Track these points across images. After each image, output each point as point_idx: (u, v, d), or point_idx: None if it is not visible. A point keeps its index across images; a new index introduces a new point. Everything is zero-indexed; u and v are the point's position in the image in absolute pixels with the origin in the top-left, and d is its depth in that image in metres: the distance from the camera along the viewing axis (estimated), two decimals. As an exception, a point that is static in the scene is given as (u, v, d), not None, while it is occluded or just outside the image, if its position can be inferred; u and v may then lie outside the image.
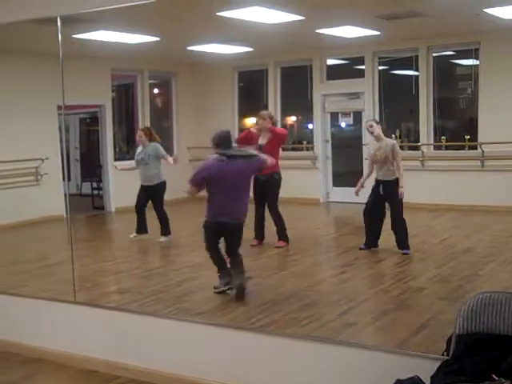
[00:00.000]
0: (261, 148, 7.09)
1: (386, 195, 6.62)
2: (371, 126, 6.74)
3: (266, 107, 10.55)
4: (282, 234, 7.11)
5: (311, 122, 10.23)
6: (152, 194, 7.67)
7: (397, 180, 6.58)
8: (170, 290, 5.50)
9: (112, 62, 9.53)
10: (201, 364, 4.10)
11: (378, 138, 6.74)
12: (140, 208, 7.66)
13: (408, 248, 6.46)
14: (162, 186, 7.68)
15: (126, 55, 9.19)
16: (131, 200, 8.89)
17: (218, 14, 6.32)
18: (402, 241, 6.48)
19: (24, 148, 8.64)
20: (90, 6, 4.47)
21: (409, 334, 4.09)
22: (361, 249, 6.68)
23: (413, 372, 3.09)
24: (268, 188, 7.09)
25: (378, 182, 6.71)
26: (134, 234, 7.60)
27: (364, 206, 6.81)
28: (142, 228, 7.62)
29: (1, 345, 4.90)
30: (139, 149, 8.00)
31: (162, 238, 7.55)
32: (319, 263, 6.85)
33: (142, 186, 7.80)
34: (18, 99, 8.62)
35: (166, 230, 7.54)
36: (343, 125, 10.06)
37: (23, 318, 4.90)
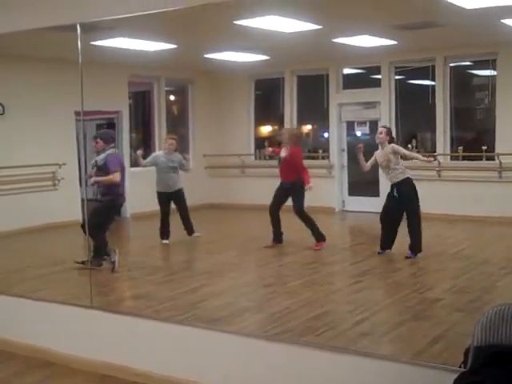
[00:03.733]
0: (280, 161, 7.36)
1: (401, 196, 6.67)
2: (381, 133, 6.85)
3: (281, 116, 10.59)
4: (317, 235, 7.28)
5: (327, 130, 10.24)
6: (177, 200, 7.97)
7: (408, 179, 6.66)
8: (185, 296, 5.50)
9: (129, 69, 9.60)
10: (215, 371, 4.10)
11: (381, 145, 6.86)
12: (167, 215, 7.99)
13: (419, 251, 6.53)
14: (183, 191, 8.04)
15: (143, 62, 9.24)
16: (147, 206, 8.94)
17: (235, 22, 6.35)
18: (416, 243, 6.54)
19: (42, 153, 8.71)
20: (109, 13, 4.50)
21: (425, 345, 4.06)
22: (379, 253, 6.77)
23: None
24: (291, 195, 7.47)
25: (392, 186, 6.80)
26: (166, 241, 7.87)
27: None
28: (167, 234, 7.91)
29: (17, 348, 4.92)
30: (164, 156, 8.02)
31: (195, 234, 7.94)
32: (335, 272, 6.83)
33: (163, 193, 8.02)
34: (37, 105, 8.69)
35: (192, 228, 7.93)
36: (359, 134, 10.04)
37: (40, 322, 4.92)
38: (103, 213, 6.46)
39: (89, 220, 5.83)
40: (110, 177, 6.50)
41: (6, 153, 8.19)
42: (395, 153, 6.74)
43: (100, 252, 6.33)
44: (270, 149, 8.38)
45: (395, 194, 6.70)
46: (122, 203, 6.91)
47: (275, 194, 7.61)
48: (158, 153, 8.43)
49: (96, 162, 6.65)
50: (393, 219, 6.73)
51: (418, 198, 6.62)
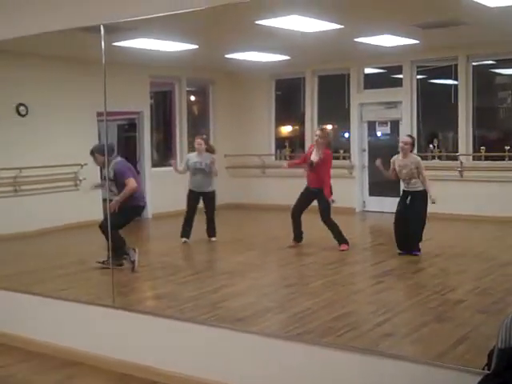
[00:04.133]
0: (312, 165, 7.26)
1: (412, 204, 6.73)
2: (406, 144, 6.85)
3: (302, 116, 10.58)
4: (341, 238, 7.26)
5: (348, 130, 10.21)
6: (206, 201, 8.05)
7: (424, 191, 6.69)
8: (207, 296, 5.52)
9: (151, 70, 9.64)
10: (237, 371, 4.11)
11: (404, 155, 6.84)
12: (193, 213, 8.05)
13: (419, 250, 6.71)
14: (214, 194, 8.10)
15: (164, 63, 9.29)
16: (168, 206, 8.99)
17: (256, 22, 6.35)
18: (413, 245, 6.70)
19: (64, 153, 8.77)
20: (132, 14, 4.53)
21: (448, 346, 4.03)
22: (400, 254, 6.79)
23: (453, 386, 3.05)
24: (317, 199, 7.41)
25: (405, 192, 6.84)
26: (185, 240, 7.95)
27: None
28: (188, 232, 7.99)
29: (40, 347, 4.97)
30: (195, 157, 8.12)
31: (213, 239, 7.99)
32: (356, 272, 6.81)
33: (193, 192, 8.07)
34: (59, 106, 8.76)
35: (214, 232, 8.00)
36: (380, 134, 10.01)
37: (62, 321, 4.97)
38: (122, 215, 6.46)
39: (107, 221, 5.85)
40: (127, 187, 6.42)
41: (28, 153, 8.28)
42: (418, 168, 6.75)
43: (118, 251, 6.36)
44: (286, 164, 8.21)
45: (408, 201, 6.76)
46: (141, 205, 6.89)
47: (300, 198, 7.54)
48: (191, 154, 8.46)
49: (105, 175, 6.65)
50: (404, 225, 6.80)
51: (426, 209, 6.69)
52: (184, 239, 7.93)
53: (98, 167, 8.92)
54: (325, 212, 7.35)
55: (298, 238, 7.52)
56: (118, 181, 6.48)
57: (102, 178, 7.20)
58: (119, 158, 6.67)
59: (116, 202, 6.36)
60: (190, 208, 8.03)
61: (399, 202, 6.90)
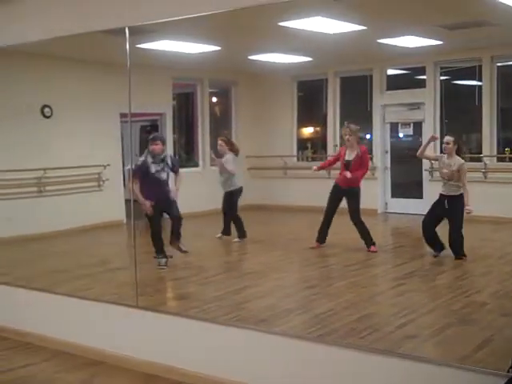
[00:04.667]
0: (349, 164, 7.24)
1: (450, 209, 6.64)
2: (448, 143, 6.77)
3: (324, 117, 10.56)
4: (369, 240, 7.23)
5: (370, 132, 10.17)
6: (225, 200, 8.20)
7: (461, 195, 6.59)
8: (230, 297, 5.54)
9: (173, 71, 9.70)
10: (259, 372, 4.12)
11: (449, 156, 6.76)
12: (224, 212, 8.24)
13: (464, 255, 6.55)
14: (232, 193, 8.15)
15: (187, 64, 9.33)
16: (190, 206, 9.03)
17: (280, 24, 6.36)
18: (457, 250, 6.56)
19: (88, 154, 8.87)
20: (156, 17, 4.57)
21: (471, 349, 4.00)
22: (435, 256, 6.74)
23: (476, 388, 3.03)
24: (348, 198, 7.40)
25: (442, 196, 6.74)
26: (220, 235, 8.11)
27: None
28: (227, 230, 8.14)
29: (65, 346, 5.03)
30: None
31: (236, 239, 8.04)
32: (378, 274, 6.79)
33: (224, 192, 8.22)
34: (83, 107, 8.86)
35: (241, 233, 8.05)
36: (402, 135, 9.96)
37: (87, 321, 5.02)
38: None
39: None
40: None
41: (53, 154, 8.38)
42: (459, 171, 6.66)
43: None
44: (315, 168, 8.05)
45: (446, 205, 6.66)
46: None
47: (331, 199, 7.50)
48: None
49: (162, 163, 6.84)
50: (431, 228, 6.77)
51: (463, 214, 6.59)
52: (220, 235, 8.13)
53: (122, 169, 9.05)
54: (355, 212, 7.32)
55: (322, 240, 7.49)
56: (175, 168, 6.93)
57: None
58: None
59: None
60: (222, 207, 8.21)
61: (435, 205, 6.80)
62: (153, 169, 6.75)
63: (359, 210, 7.37)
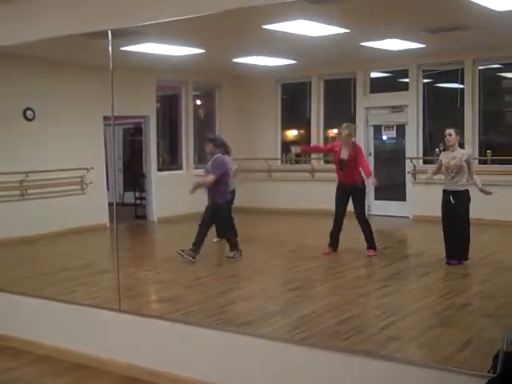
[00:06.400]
0: (343, 163, 7.23)
1: (457, 204, 6.54)
2: (450, 135, 6.69)
3: (308, 120, 10.59)
4: (370, 242, 7.21)
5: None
6: None
7: (467, 191, 6.53)
8: (213, 299, 5.53)
9: (157, 74, 9.68)
10: (242, 375, 4.12)
11: (452, 148, 6.68)
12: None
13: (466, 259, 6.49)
14: (233, 194, 8.04)
15: (171, 67, 9.32)
16: (174, 210, 9.02)
17: (263, 27, 6.38)
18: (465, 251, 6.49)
19: (70, 158, 8.83)
20: (140, 20, 4.56)
21: (453, 350, 4.03)
22: (447, 263, 6.52)
23: (458, 389, 3.05)
24: (353, 197, 7.34)
25: (446, 192, 6.61)
26: (217, 239, 7.87)
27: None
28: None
29: (48, 351, 4.99)
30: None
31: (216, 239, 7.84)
32: (362, 276, 6.81)
33: None
34: (66, 110, 8.82)
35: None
36: (386, 138, 10.01)
37: (70, 325, 4.98)
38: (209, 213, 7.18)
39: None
40: (209, 178, 7.14)
41: (35, 157, 8.33)
42: (468, 163, 6.59)
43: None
44: (299, 149, 7.98)
45: (452, 200, 6.54)
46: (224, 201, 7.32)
47: (339, 200, 7.41)
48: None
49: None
50: (454, 227, 6.57)
51: (469, 210, 6.53)
52: (217, 239, 7.92)
53: (105, 172, 9.02)
54: (361, 211, 7.31)
55: (334, 245, 7.36)
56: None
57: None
58: (221, 154, 7.34)
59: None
60: None
61: (443, 205, 6.62)
62: None
63: (365, 209, 7.36)
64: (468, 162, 6.60)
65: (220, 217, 7.33)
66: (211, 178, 7.13)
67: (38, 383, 4.53)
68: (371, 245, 7.21)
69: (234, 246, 7.28)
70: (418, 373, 3.53)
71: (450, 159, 6.62)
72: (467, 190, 6.55)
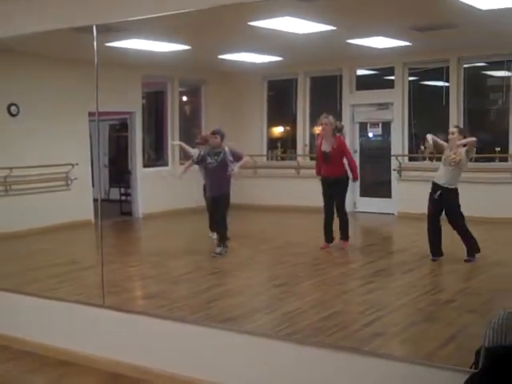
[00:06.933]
0: (326, 155, 7.22)
1: (444, 203, 6.58)
2: (453, 134, 6.71)
3: (294, 117, 10.59)
4: (345, 234, 7.31)
5: (339, 131, 10.21)
6: None
7: (457, 190, 6.58)
8: (198, 295, 5.53)
9: (143, 70, 9.65)
10: (227, 370, 4.12)
11: (453, 144, 6.67)
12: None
13: (473, 256, 6.46)
14: None
15: (157, 63, 9.29)
16: (159, 206, 8.99)
17: (249, 23, 6.37)
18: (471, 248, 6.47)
19: (55, 153, 8.78)
20: (125, 15, 4.54)
21: (437, 346, 4.06)
22: (433, 260, 6.56)
23: (441, 384, 3.07)
24: (336, 189, 7.40)
25: (436, 186, 6.65)
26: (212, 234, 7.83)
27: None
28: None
29: (31, 347, 4.97)
30: None
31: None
32: (347, 272, 6.83)
33: None
34: (51, 106, 8.76)
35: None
36: (371, 135, 10.03)
37: (54, 321, 4.97)
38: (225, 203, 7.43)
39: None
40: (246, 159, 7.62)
41: (20, 153, 8.27)
42: (468, 153, 6.60)
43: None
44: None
45: (436, 196, 6.59)
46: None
47: (326, 196, 7.43)
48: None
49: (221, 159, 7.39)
50: (435, 225, 6.62)
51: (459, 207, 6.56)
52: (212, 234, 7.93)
53: (90, 168, 8.96)
54: (343, 204, 7.36)
55: (330, 240, 7.39)
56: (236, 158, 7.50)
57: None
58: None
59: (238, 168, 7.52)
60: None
61: (430, 200, 6.65)
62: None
63: (345, 202, 7.40)
64: (468, 153, 6.60)
65: (227, 207, 7.51)
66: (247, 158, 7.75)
67: (21, 379, 4.51)
68: (345, 237, 7.28)
69: (223, 241, 7.31)
70: (401, 368, 3.55)
71: (452, 153, 6.64)
72: (456, 188, 6.60)
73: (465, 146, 6.59)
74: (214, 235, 7.63)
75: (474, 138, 6.67)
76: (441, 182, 6.68)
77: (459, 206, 6.58)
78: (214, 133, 7.51)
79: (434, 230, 6.62)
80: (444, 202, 6.61)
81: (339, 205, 7.39)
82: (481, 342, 3.01)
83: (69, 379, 4.50)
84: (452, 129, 6.87)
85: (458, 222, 6.55)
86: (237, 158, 7.48)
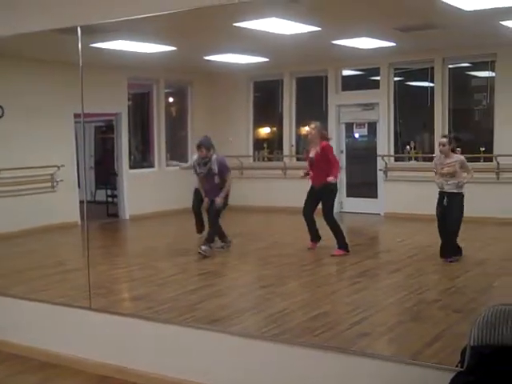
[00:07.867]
0: (311, 161, 7.23)
1: (450, 207, 6.60)
2: (443, 145, 6.74)
3: (280, 117, 10.61)
4: (342, 242, 7.18)
5: (325, 132, 10.23)
6: None
7: (462, 194, 6.60)
8: (184, 297, 5.52)
9: (129, 71, 9.62)
10: (214, 372, 4.12)
11: (446, 155, 6.73)
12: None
13: (450, 256, 6.51)
14: None
15: (142, 64, 9.27)
16: (145, 208, 8.97)
17: (234, 24, 6.37)
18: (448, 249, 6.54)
19: (41, 155, 8.73)
20: (109, 16, 4.53)
21: (423, 345, 4.08)
22: (450, 261, 6.55)
23: (426, 383, 3.09)
24: (322, 196, 7.32)
25: (442, 194, 6.67)
26: (201, 235, 7.78)
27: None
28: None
29: (17, 349, 4.94)
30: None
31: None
32: (333, 273, 6.86)
33: None
34: (36, 107, 8.71)
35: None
36: (357, 135, 10.07)
37: (39, 323, 4.94)
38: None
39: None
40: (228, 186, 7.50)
41: (5, 155, 8.21)
42: (462, 167, 6.66)
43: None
44: (302, 174, 7.70)
45: (445, 203, 6.60)
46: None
47: (307, 198, 7.42)
48: None
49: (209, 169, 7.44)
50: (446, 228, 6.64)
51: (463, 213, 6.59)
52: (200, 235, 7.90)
53: (76, 170, 8.94)
54: (329, 212, 7.27)
55: (316, 238, 7.38)
56: (222, 174, 7.47)
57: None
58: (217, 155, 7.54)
59: (222, 198, 7.42)
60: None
61: (437, 206, 6.68)
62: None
63: (332, 210, 7.32)
64: (462, 165, 6.67)
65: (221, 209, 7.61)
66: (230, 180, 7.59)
67: (6, 382, 4.48)
68: (342, 244, 7.18)
69: (210, 240, 7.34)
70: (388, 367, 3.57)
71: (445, 166, 6.69)
72: (461, 193, 6.60)
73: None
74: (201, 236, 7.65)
75: (462, 158, 6.73)
76: (444, 189, 6.69)
77: (462, 212, 6.58)
78: (198, 146, 7.54)
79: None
80: (449, 206, 6.63)
81: (324, 213, 7.30)
82: (466, 341, 3.03)
83: (55, 381, 4.47)
84: (442, 139, 6.88)
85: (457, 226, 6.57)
86: (220, 172, 7.47)
